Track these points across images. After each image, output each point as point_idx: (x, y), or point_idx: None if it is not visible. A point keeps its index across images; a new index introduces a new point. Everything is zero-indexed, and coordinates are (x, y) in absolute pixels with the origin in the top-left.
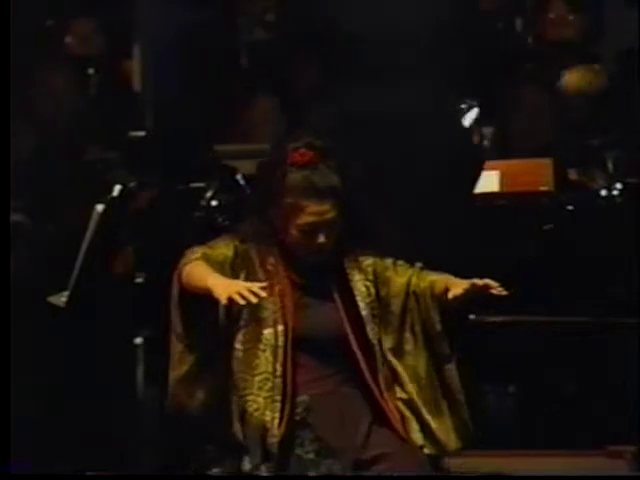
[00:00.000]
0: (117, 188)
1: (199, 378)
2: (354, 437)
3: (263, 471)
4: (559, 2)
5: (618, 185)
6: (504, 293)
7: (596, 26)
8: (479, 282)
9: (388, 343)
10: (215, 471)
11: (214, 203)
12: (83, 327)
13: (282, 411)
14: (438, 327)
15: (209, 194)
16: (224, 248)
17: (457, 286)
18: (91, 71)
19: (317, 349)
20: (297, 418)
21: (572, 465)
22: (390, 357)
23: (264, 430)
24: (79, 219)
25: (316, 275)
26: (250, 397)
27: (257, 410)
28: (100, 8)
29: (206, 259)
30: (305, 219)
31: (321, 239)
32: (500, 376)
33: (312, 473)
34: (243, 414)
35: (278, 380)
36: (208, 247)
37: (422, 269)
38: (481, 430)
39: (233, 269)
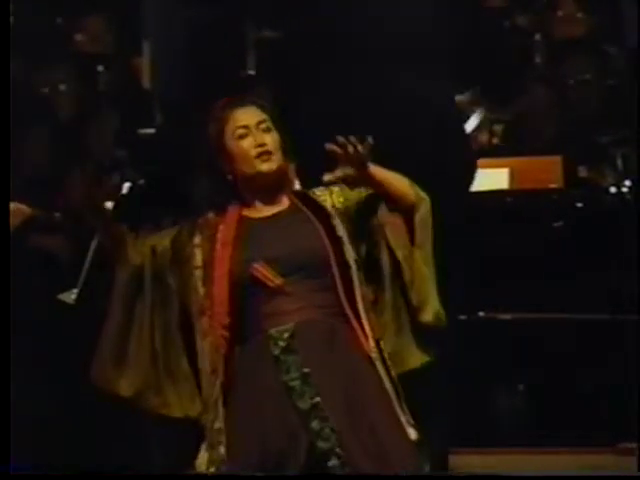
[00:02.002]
0: (127, 186)
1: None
2: (340, 373)
3: None
4: (568, 0)
5: (627, 182)
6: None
7: (606, 24)
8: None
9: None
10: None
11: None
12: (93, 324)
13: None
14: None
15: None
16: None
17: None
18: (101, 68)
19: (303, 277)
20: (282, 344)
21: (581, 462)
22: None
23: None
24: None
25: (276, 202)
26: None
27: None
28: (110, 6)
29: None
30: (235, 124)
31: (257, 139)
32: (510, 374)
33: (298, 404)
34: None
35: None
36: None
37: None
38: (490, 428)
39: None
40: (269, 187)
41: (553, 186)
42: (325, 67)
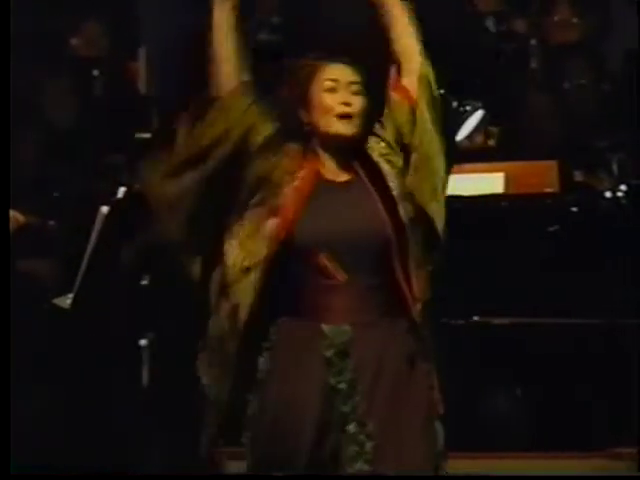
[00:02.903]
0: (122, 190)
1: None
2: (387, 381)
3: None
4: (563, 5)
5: (623, 187)
6: None
7: (602, 28)
8: None
9: None
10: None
11: None
12: (88, 329)
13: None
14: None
15: None
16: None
17: None
18: (96, 73)
19: (357, 261)
20: (337, 348)
21: (572, 467)
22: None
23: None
24: (85, 221)
25: (348, 168)
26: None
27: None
28: (106, 10)
29: None
30: (325, 75)
31: (344, 98)
32: (505, 379)
33: (340, 405)
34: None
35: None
36: None
37: None
38: (486, 432)
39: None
40: (343, 150)
41: (549, 191)
42: None
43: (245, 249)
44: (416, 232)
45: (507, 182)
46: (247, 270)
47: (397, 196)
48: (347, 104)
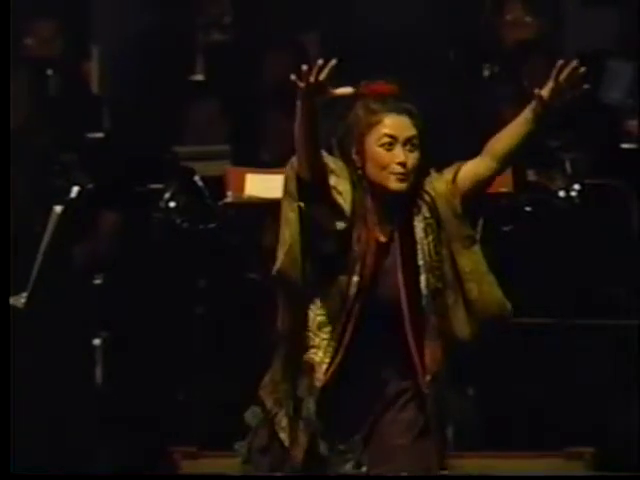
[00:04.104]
0: (75, 190)
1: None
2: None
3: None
4: (515, 4)
5: (576, 186)
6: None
7: (555, 27)
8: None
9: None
10: (240, 444)
11: (172, 204)
12: (42, 328)
13: (332, 359)
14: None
15: (167, 195)
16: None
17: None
18: (50, 72)
19: (376, 335)
20: (349, 457)
21: (531, 466)
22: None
23: (310, 369)
24: (37, 220)
25: (388, 224)
26: (308, 333)
27: (310, 348)
28: (60, 10)
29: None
30: (384, 130)
31: (400, 157)
32: (459, 378)
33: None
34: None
35: (339, 327)
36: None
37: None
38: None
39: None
40: (390, 202)
41: (503, 190)
42: None
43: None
44: (437, 304)
45: None
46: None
47: (422, 266)
48: (402, 164)
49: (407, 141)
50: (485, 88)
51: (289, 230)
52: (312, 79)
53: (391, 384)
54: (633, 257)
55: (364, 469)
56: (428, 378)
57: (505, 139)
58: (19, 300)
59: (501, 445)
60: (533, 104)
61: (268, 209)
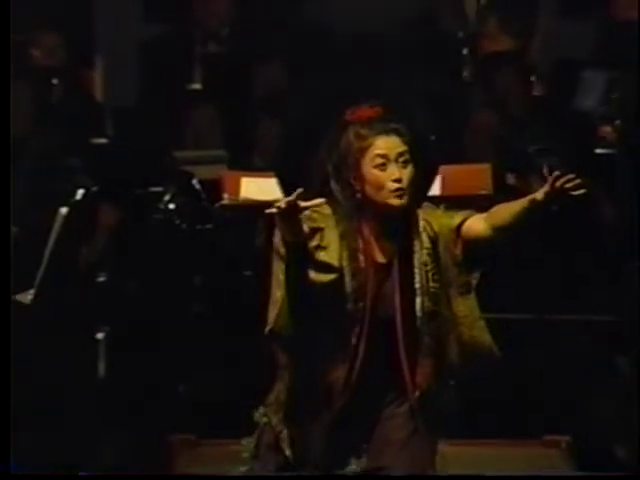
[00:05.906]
0: (80, 192)
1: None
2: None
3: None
4: (491, 16)
5: None
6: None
7: (531, 37)
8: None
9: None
10: (247, 440)
11: (171, 206)
12: (48, 323)
13: (347, 379)
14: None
15: (167, 198)
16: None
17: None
18: (55, 81)
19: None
20: (354, 467)
21: (507, 454)
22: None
23: (327, 386)
24: (44, 221)
25: (389, 243)
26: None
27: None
28: (64, 22)
29: None
30: (376, 151)
31: (395, 174)
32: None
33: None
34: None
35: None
36: None
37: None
38: None
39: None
40: (392, 221)
41: (483, 193)
42: None
43: None
44: (431, 326)
45: (443, 184)
46: None
47: (419, 289)
48: (398, 180)
49: (399, 157)
50: (462, 92)
51: (280, 291)
52: (283, 205)
53: (388, 396)
54: (607, 258)
55: (363, 460)
56: (417, 394)
57: (505, 214)
58: (26, 297)
59: (480, 433)
60: (531, 198)
61: (262, 211)
